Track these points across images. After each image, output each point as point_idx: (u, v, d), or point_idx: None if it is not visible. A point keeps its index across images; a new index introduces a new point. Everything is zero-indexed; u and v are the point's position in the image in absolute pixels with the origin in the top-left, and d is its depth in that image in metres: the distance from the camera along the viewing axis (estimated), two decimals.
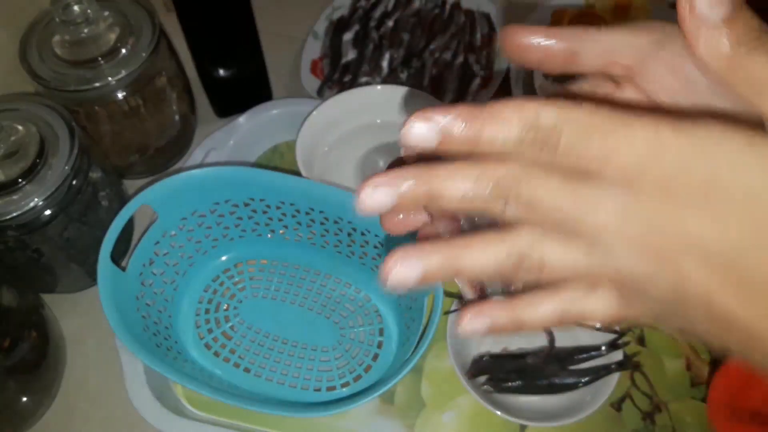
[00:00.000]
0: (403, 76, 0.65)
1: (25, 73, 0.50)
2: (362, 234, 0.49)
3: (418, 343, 0.43)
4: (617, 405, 0.49)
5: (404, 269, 0.22)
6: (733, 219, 0.18)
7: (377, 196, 0.21)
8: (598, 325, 0.48)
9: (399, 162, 0.23)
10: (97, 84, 0.50)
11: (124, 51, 0.51)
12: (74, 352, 0.53)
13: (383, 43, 0.67)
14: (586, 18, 0.67)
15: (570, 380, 0.48)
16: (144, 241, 0.48)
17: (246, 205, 0.51)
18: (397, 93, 0.57)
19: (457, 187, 0.21)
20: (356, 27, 0.68)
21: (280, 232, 0.54)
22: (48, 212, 0.46)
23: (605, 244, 0.20)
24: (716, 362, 0.49)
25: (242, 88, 0.62)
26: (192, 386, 0.42)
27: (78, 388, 0.52)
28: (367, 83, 0.64)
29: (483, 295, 0.26)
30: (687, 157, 0.18)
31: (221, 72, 0.60)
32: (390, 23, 0.69)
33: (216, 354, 0.51)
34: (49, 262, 0.50)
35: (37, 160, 0.46)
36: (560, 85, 0.66)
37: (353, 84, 0.64)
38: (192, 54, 0.59)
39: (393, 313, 0.52)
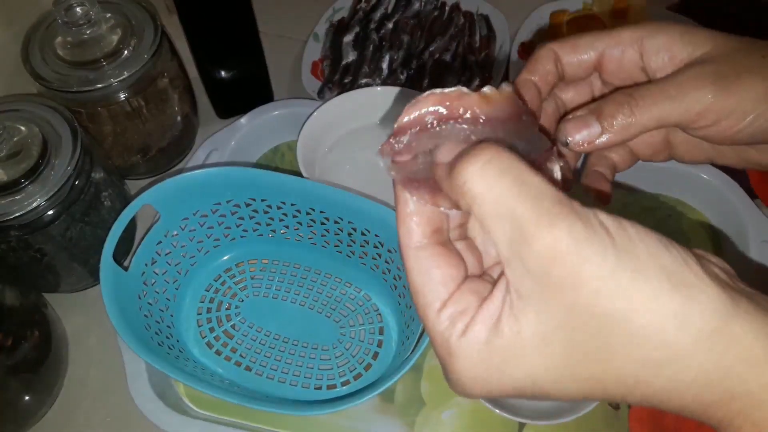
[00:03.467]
0: (403, 77, 0.65)
1: (28, 74, 0.51)
2: (362, 234, 0.49)
3: (418, 341, 0.44)
4: (615, 403, 0.49)
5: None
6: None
7: None
8: None
9: None
10: (99, 85, 0.50)
11: (126, 52, 0.52)
12: (76, 351, 0.53)
13: (383, 45, 0.67)
14: (585, 20, 0.68)
15: None
16: (146, 240, 0.49)
17: (247, 205, 0.51)
18: (396, 94, 0.57)
19: None
20: (356, 29, 0.68)
21: (281, 232, 0.54)
22: (51, 212, 0.46)
23: None
24: None
25: (243, 89, 0.63)
26: (194, 384, 0.42)
27: (80, 386, 0.52)
28: (367, 84, 0.64)
29: None
30: None
31: (223, 73, 0.61)
32: (390, 25, 0.69)
33: (217, 353, 0.51)
34: (51, 262, 0.51)
35: (40, 161, 0.46)
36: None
37: (353, 85, 0.64)
38: (193, 55, 0.59)
39: (393, 312, 0.52)
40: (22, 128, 0.47)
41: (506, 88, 0.23)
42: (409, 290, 0.32)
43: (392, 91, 0.57)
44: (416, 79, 0.65)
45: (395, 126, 0.23)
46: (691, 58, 0.31)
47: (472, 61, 0.66)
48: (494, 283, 0.23)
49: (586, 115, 0.31)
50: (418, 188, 0.23)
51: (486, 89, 0.23)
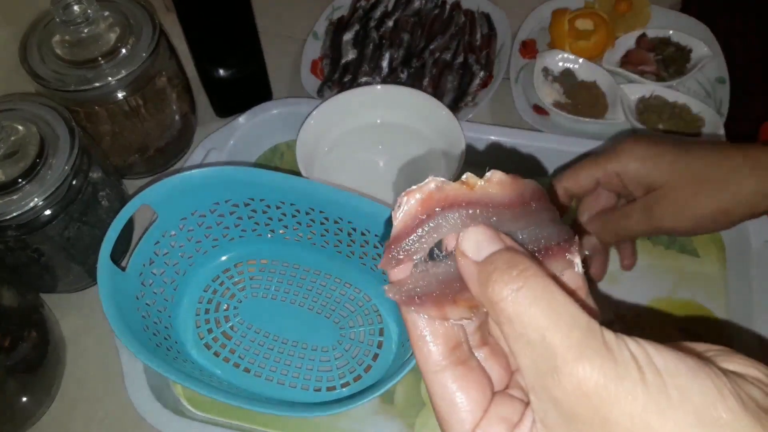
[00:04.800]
0: (403, 76, 0.65)
1: (26, 74, 0.50)
2: (362, 234, 0.49)
3: None
4: None
5: None
6: None
7: None
8: None
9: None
10: (97, 84, 0.50)
11: (124, 51, 0.51)
12: (74, 351, 0.53)
13: (383, 43, 0.67)
14: (587, 18, 0.67)
15: None
16: (144, 240, 0.48)
17: (246, 205, 0.51)
18: (397, 93, 0.57)
19: None
20: (356, 27, 0.68)
21: (280, 232, 0.54)
22: (48, 212, 0.46)
23: None
24: None
25: (242, 88, 0.63)
26: (192, 386, 0.42)
27: (78, 387, 0.52)
28: (367, 83, 0.64)
29: None
30: None
31: (221, 72, 0.60)
32: (390, 23, 0.69)
33: (216, 354, 0.51)
34: (49, 262, 0.50)
35: (38, 160, 0.46)
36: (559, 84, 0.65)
37: (353, 84, 0.64)
38: (192, 54, 0.59)
39: (393, 313, 0.52)
40: (20, 128, 0.47)
41: (495, 175, 0.22)
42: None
43: (392, 90, 0.57)
44: (416, 77, 0.65)
45: (392, 236, 0.22)
46: (654, 184, 0.42)
47: (473, 60, 0.66)
48: (521, 399, 0.23)
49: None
50: (422, 304, 0.22)
51: (465, 176, 0.22)
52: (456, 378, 0.22)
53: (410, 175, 0.56)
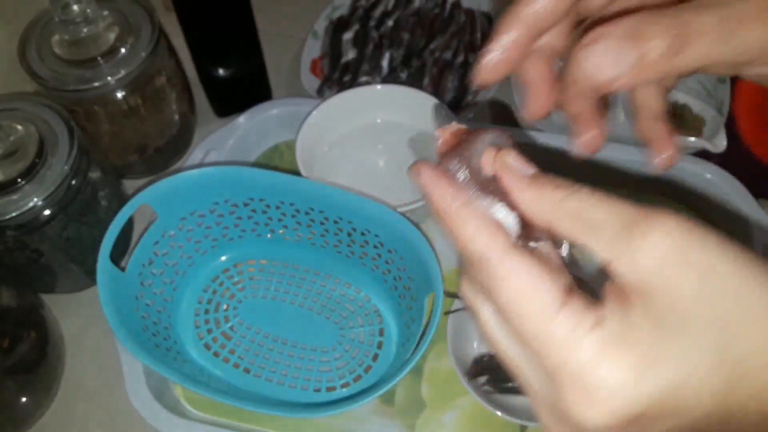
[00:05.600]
0: (403, 75, 0.65)
1: (25, 73, 0.50)
2: (362, 234, 0.49)
3: (418, 343, 0.43)
4: None
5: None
6: None
7: None
8: None
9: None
10: (96, 83, 0.50)
11: (123, 50, 0.51)
12: (74, 352, 0.53)
13: (383, 43, 0.67)
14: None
15: None
16: (143, 241, 0.48)
17: (245, 205, 0.51)
18: (397, 92, 0.57)
19: None
20: (356, 26, 0.68)
21: (280, 232, 0.54)
22: (47, 212, 0.46)
23: None
24: None
25: (242, 87, 0.62)
26: (191, 387, 0.42)
27: (77, 388, 0.51)
28: (367, 83, 0.64)
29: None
30: None
31: (221, 71, 0.60)
32: (390, 22, 0.68)
33: (215, 354, 0.51)
34: (48, 262, 0.50)
35: (37, 160, 0.46)
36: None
37: (353, 83, 0.64)
38: (191, 53, 0.59)
39: (393, 313, 0.52)
40: (19, 127, 0.47)
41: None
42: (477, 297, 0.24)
43: (392, 90, 0.57)
44: (417, 77, 0.64)
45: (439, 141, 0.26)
46: None
47: (474, 60, 0.65)
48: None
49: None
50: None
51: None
52: (531, 255, 0.21)
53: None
